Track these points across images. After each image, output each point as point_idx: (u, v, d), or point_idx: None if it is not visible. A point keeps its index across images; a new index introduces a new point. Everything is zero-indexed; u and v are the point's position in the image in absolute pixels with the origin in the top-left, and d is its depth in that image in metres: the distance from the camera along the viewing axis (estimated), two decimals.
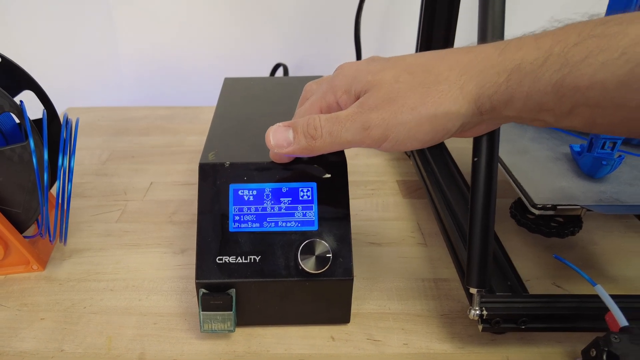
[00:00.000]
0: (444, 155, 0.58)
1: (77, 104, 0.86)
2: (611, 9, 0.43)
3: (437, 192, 0.51)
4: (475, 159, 0.34)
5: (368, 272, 0.47)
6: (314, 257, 0.38)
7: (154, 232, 0.53)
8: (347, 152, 0.64)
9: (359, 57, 0.80)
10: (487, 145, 0.34)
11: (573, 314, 0.36)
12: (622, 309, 0.33)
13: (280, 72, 0.84)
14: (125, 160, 0.68)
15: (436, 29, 0.60)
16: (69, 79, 0.88)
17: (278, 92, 0.56)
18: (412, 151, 0.63)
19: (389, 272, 0.47)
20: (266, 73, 0.86)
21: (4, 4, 0.82)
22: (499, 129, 0.34)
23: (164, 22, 0.85)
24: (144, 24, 0.85)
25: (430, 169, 0.56)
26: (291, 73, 0.87)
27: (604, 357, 0.32)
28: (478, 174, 0.34)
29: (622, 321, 0.33)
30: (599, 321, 0.34)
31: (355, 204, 0.58)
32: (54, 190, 0.47)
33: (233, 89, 0.57)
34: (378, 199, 0.59)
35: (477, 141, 0.34)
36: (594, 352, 0.32)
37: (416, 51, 0.63)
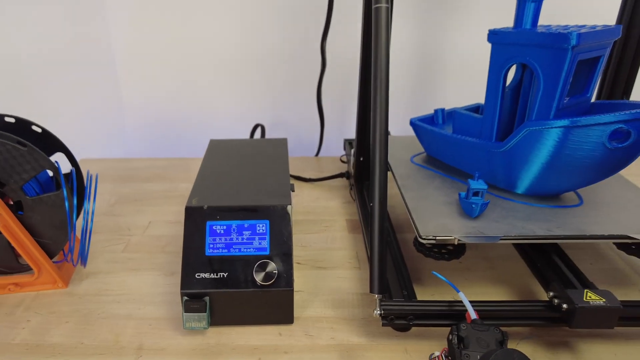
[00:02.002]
0: None
1: (87, 154, 1.03)
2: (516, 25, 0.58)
3: (367, 229, 0.67)
4: (371, 204, 0.50)
5: (313, 288, 0.63)
6: (265, 273, 0.53)
7: (150, 259, 0.69)
8: (309, 197, 0.80)
9: (321, 117, 0.98)
10: (378, 194, 0.50)
11: (446, 314, 0.51)
12: (479, 311, 0.48)
13: (258, 131, 1.01)
14: (129, 203, 0.84)
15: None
16: (78, 131, 1.05)
17: (252, 152, 0.73)
18: (355, 197, 0.79)
19: (329, 288, 0.62)
20: (247, 130, 1.03)
21: (23, 70, 1.00)
22: (387, 184, 0.50)
23: (161, 87, 1.03)
24: (146, 90, 1.03)
25: (365, 211, 0.72)
26: (268, 130, 1.05)
27: (455, 339, 0.46)
28: (373, 215, 0.50)
29: (473, 316, 0.48)
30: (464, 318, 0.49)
31: (311, 238, 0.73)
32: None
33: (216, 148, 0.74)
34: (329, 233, 0.75)
35: (371, 191, 0.50)
36: (451, 336, 0.47)
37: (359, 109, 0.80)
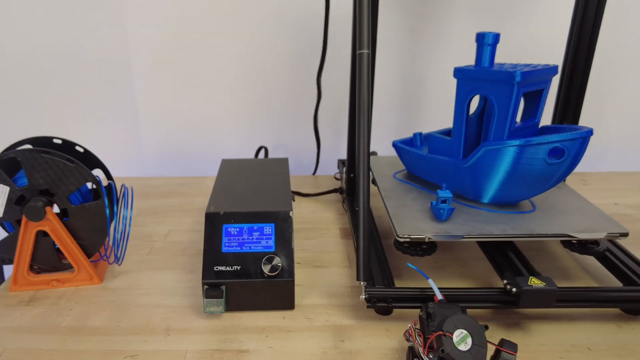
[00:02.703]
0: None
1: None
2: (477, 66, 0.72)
3: (355, 232, 0.79)
4: (357, 208, 0.62)
5: (311, 282, 0.74)
6: (271, 265, 0.65)
7: (172, 260, 0.80)
8: (307, 209, 0.92)
9: (317, 140, 1.11)
10: (362, 199, 0.62)
11: (418, 297, 0.63)
12: (445, 296, 0.60)
13: (262, 152, 1.13)
14: (150, 215, 0.96)
15: None
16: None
17: (258, 169, 0.85)
18: (346, 209, 0.91)
19: (324, 282, 0.74)
20: (253, 151, 1.16)
21: (56, 102, 1.13)
22: (369, 192, 0.62)
23: (175, 115, 1.16)
24: (162, 119, 1.16)
25: (355, 220, 0.84)
26: (271, 152, 1.17)
27: (425, 314, 0.58)
28: (359, 217, 0.62)
29: (439, 297, 0.60)
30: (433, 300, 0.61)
31: (309, 243, 0.85)
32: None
33: (228, 166, 0.86)
34: (324, 239, 0.86)
35: (357, 197, 0.62)
36: (421, 312, 0.59)
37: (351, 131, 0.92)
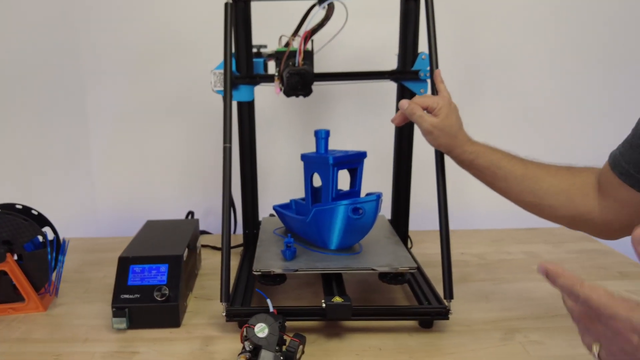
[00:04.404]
0: None
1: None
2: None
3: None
4: (221, 250, 0.90)
5: (201, 310, 1.01)
6: (161, 293, 0.92)
7: (101, 296, 1.06)
8: (218, 258, 1.17)
9: (232, 205, 1.40)
10: (224, 245, 0.90)
11: (263, 312, 0.90)
12: (279, 310, 0.86)
13: (190, 215, 1.42)
14: (92, 265, 1.23)
15: None
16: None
17: (171, 226, 1.13)
18: (242, 256, 1.20)
19: (210, 309, 1.01)
20: (183, 215, 1.45)
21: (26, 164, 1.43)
22: (230, 239, 0.91)
23: (127, 186, 1.46)
24: (115, 190, 1.46)
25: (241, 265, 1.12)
26: (204, 214, 1.47)
27: (255, 320, 0.84)
28: (222, 256, 0.90)
29: (271, 309, 0.86)
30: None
31: (210, 284, 1.12)
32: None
33: (149, 225, 1.15)
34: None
35: (222, 243, 0.91)
36: (254, 319, 0.85)
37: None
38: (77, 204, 1.48)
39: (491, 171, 0.87)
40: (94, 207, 1.49)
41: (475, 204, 1.51)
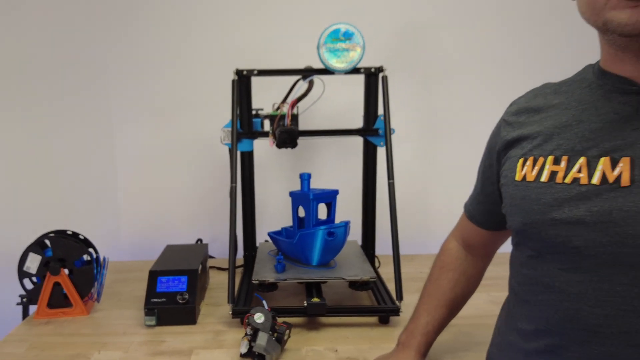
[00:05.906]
0: None
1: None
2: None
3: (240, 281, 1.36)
4: (227, 270, 1.20)
5: (212, 312, 1.29)
6: (181, 297, 1.21)
7: (132, 304, 1.35)
8: (225, 277, 1.46)
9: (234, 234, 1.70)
10: (230, 258, 1.20)
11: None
12: (273, 307, 1.15)
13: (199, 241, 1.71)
14: (122, 282, 1.52)
15: None
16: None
17: (186, 249, 1.43)
18: (243, 274, 1.49)
19: (219, 312, 1.29)
20: (193, 242, 1.74)
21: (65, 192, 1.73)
22: (236, 255, 1.20)
23: (151, 213, 1.76)
24: (141, 217, 1.76)
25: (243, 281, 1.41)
26: (213, 240, 1.76)
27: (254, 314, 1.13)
28: (229, 270, 1.20)
29: (266, 307, 1.15)
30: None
31: (220, 295, 1.41)
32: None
33: (170, 248, 1.44)
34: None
35: (229, 257, 1.21)
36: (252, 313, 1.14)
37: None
38: (105, 230, 1.78)
39: (449, 314, 0.99)
40: (119, 233, 1.78)
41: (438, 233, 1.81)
